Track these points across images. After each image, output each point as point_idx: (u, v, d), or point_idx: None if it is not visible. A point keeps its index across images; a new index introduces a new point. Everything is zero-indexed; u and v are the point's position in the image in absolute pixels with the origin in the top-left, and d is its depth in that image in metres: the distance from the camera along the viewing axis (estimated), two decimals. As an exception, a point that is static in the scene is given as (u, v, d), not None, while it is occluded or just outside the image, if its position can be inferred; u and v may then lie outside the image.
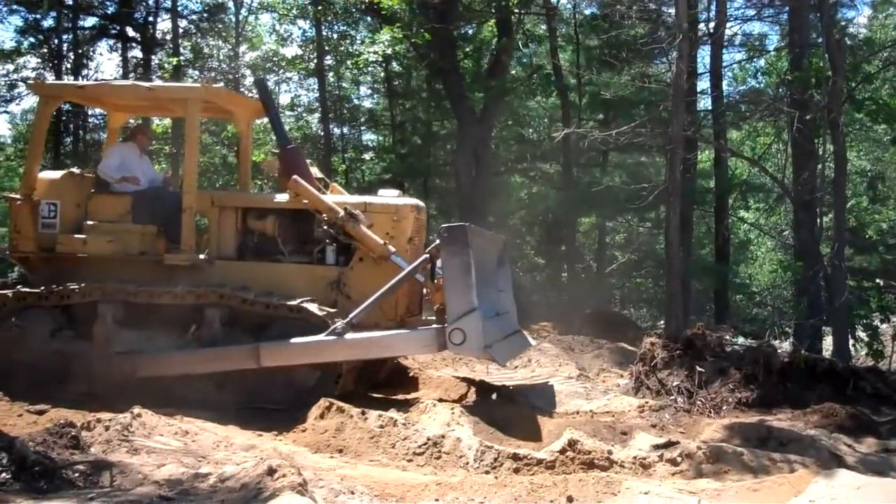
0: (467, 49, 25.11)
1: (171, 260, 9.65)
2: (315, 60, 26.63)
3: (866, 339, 12.85)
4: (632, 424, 7.92)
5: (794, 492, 6.10)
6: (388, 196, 10.19)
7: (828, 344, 14.87)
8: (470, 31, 25.57)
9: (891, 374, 11.02)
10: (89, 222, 9.86)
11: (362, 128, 30.93)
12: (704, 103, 24.31)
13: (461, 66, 23.81)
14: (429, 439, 7.13)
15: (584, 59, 25.97)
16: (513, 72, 26.15)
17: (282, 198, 10.06)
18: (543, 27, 26.72)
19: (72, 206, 10.05)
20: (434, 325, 8.95)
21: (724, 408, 9.12)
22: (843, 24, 24.05)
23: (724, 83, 24.91)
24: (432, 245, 9.10)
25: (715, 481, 6.58)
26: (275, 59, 27.66)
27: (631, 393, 9.97)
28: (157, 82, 11.54)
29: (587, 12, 26.39)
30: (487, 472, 6.66)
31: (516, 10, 22.56)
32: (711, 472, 6.81)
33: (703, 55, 24.79)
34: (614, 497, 5.66)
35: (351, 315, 8.87)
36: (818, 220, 18.24)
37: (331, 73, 26.91)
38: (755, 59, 26.88)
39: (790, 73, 18.20)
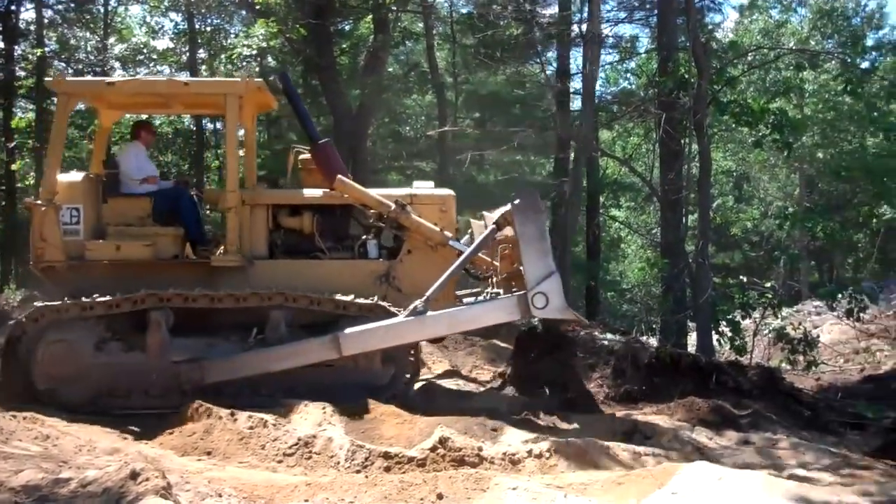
0: (344, 45, 25.00)
1: (219, 262, 9.32)
2: (187, 54, 26.14)
3: (729, 334, 13.27)
4: (503, 421, 7.98)
5: (658, 484, 6.25)
6: (426, 188, 10.13)
7: (693, 339, 15.32)
8: (347, 28, 25.48)
9: (751, 369, 11.43)
10: (113, 227, 9.42)
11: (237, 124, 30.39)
12: (577, 103, 24.71)
13: (338, 62, 23.68)
14: (300, 440, 7.06)
15: (460, 58, 26.15)
16: (390, 69, 26.20)
17: (315, 193, 9.86)
18: (420, 25, 26.82)
19: (93, 211, 9.53)
20: (515, 293, 8.90)
21: (590, 403, 9.28)
22: (710, 28, 24.84)
23: (597, 84, 25.42)
24: (499, 215, 9.11)
25: (582, 475, 6.70)
26: (145, 51, 27.01)
27: (503, 389, 10.06)
28: (190, 78, 10.94)
29: (463, 11, 26.61)
30: (358, 472, 6.63)
31: (393, 8, 22.56)
32: (579, 467, 6.93)
33: (576, 56, 25.22)
34: (483, 493, 5.70)
35: (428, 293, 8.82)
36: (684, 219, 18.75)
37: (203, 67, 26.43)
38: (627, 61, 27.51)
39: (658, 75, 18.64)
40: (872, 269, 32.78)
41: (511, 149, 26.63)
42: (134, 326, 8.97)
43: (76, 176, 9.72)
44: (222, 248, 9.69)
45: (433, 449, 6.87)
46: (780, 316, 14.05)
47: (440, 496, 5.71)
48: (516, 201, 8.77)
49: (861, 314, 14.22)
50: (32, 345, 8.81)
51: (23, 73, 25.04)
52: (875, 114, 29.33)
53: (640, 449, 7.37)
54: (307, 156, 10.25)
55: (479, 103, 27.14)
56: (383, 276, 9.53)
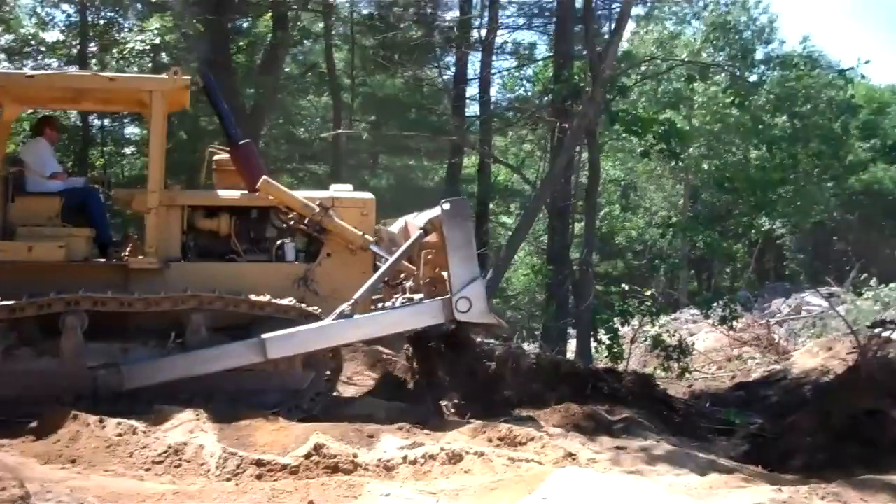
0: (241, 43, 24.74)
1: (138, 264, 9.02)
2: (78, 47, 25.50)
3: (607, 341, 13.59)
4: (379, 427, 8.01)
5: (529, 489, 6.33)
6: (346, 191, 10.07)
7: (573, 346, 15.64)
8: (244, 25, 25.21)
9: (627, 376, 11.75)
10: (22, 227, 9.01)
11: (125, 120, 29.74)
12: (473, 109, 24.93)
13: (234, 60, 23.43)
14: (170, 447, 6.90)
15: (358, 60, 26.11)
16: (287, 69, 26.00)
17: (233, 195, 9.65)
18: (320, 25, 26.66)
19: (2, 210, 9.13)
20: (439, 297, 8.97)
21: (471, 409, 9.39)
22: (606, 37, 25.34)
23: (494, 90, 25.68)
24: (426, 220, 9.15)
25: (455, 481, 6.80)
26: (33, 43, 26.19)
27: (383, 395, 10.11)
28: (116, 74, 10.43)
29: (364, 12, 26.55)
30: (229, 480, 6.52)
31: (293, 7, 22.44)
32: (453, 472, 7.01)
33: (474, 61, 25.45)
34: (355, 500, 5.73)
35: (355, 296, 8.76)
36: (571, 227, 19.12)
37: (94, 61, 25.80)
38: (524, 68, 27.85)
39: (553, 83, 18.91)
40: (749, 278, 33.94)
41: (405, 153, 26.76)
42: (44, 331, 8.68)
43: None
44: (128, 249, 9.49)
45: (307, 456, 6.81)
46: (657, 324, 14.47)
47: (311, 503, 5.75)
48: (446, 207, 8.91)
49: (734, 322, 14.72)
50: None
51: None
52: (760, 126, 30.32)
53: (514, 454, 7.44)
54: (223, 156, 10.12)
55: (375, 106, 27.12)
56: (301, 279, 9.43)
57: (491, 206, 25.03)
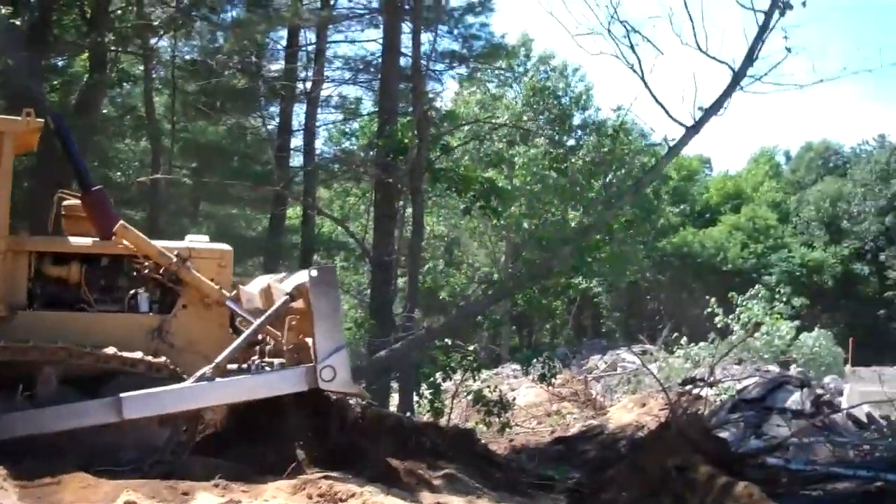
0: (55, 81, 23.80)
1: None
2: None
3: (429, 396, 13.58)
4: (194, 484, 7.72)
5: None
6: (202, 241, 9.74)
7: (396, 400, 15.57)
8: (60, 63, 24.29)
9: (449, 430, 11.75)
10: None
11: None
12: (298, 160, 24.81)
13: (48, 99, 22.47)
14: (-35, 507, 6.51)
15: (179, 105, 25.57)
16: (104, 111, 25.14)
17: (85, 242, 9.08)
18: (141, 68, 26.00)
19: None
20: (304, 365, 8.73)
21: (293, 464, 9.16)
22: (430, 97, 25.76)
23: (319, 142, 25.65)
24: (293, 287, 8.91)
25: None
26: None
27: (201, 449, 9.74)
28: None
29: (187, 57, 26.06)
30: (33, 540, 6.20)
31: (112, 48, 21.75)
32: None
33: (299, 113, 25.36)
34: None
35: (217, 360, 8.40)
36: (394, 281, 19.14)
37: None
38: (350, 122, 27.94)
39: (378, 138, 19.03)
40: (568, 335, 34.90)
41: (227, 201, 26.27)
42: None
43: None
44: None
45: (119, 513, 6.55)
46: (479, 379, 14.57)
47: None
48: (314, 274, 8.75)
49: (553, 378, 14.99)
50: None
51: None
52: (577, 189, 31.37)
53: (333, 512, 7.35)
54: (72, 202, 9.58)
55: (196, 153, 26.57)
56: (155, 330, 9.02)
57: (316, 257, 24.81)
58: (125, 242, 9.09)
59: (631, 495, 9.27)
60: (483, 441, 12.18)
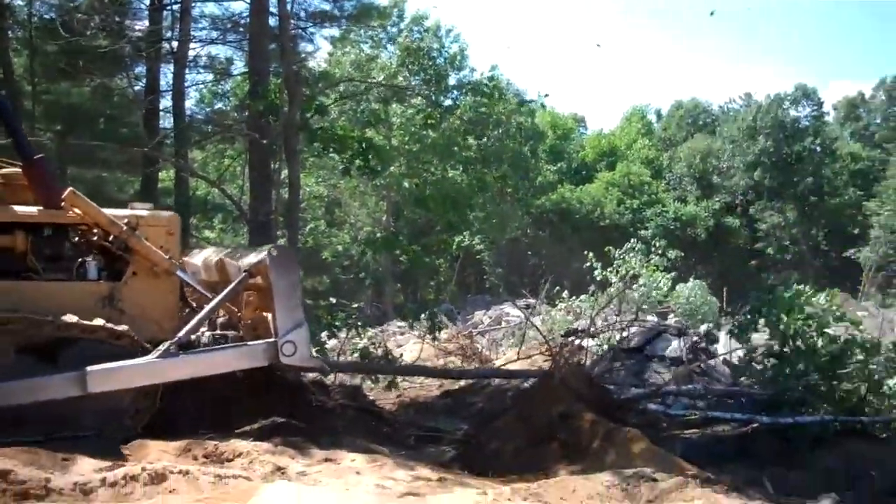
0: None
1: None
2: None
3: (315, 354, 13.40)
4: (74, 450, 7.46)
5: (238, 505, 6.14)
6: (147, 209, 9.57)
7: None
8: None
9: (336, 387, 11.67)
10: None
11: None
12: (168, 122, 24.15)
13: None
14: None
15: (39, 66, 24.52)
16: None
17: (30, 210, 8.82)
18: (-3, 27, 24.82)
19: None
20: (266, 340, 8.87)
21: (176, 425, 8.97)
22: (302, 56, 25.31)
23: (190, 103, 24.98)
24: (252, 264, 9.02)
25: (159, 502, 6.39)
26: None
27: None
28: None
29: (45, 16, 24.96)
30: None
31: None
32: (156, 493, 6.59)
33: (167, 73, 24.61)
34: (43, 528, 5.23)
35: (179, 335, 8.45)
36: (274, 242, 18.83)
37: None
38: (221, 82, 27.28)
39: (249, 99, 18.68)
40: (452, 291, 35.08)
41: (96, 165, 25.37)
42: None
43: None
44: None
45: (-8, 483, 6.23)
46: (364, 336, 14.45)
47: (-5, 536, 5.17)
48: (273, 254, 8.88)
49: (439, 333, 14.98)
50: None
51: None
52: (455, 148, 31.45)
53: (221, 471, 7.14)
54: (10, 170, 9.28)
55: (60, 115, 25.56)
56: (106, 298, 8.95)
57: (193, 220, 24.23)
58: (75, 210, 8.99)
59: (517, 444, 9.36)
60: (370, 397, 12.13)
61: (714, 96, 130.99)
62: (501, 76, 43.57)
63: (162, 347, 8.54)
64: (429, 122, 23.00)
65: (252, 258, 9.36)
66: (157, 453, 7.86)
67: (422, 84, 32.42)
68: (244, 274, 9.20)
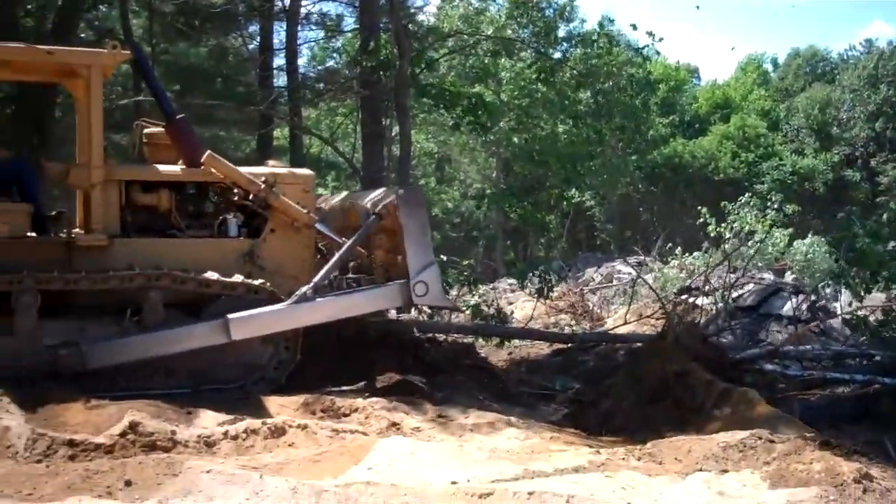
0: (29, 6, 23.28)
1: (86, 240, 8.58)
2: None
3: (428, 311, 13.52)
4: (198, 403, 7.75)
5: (354, 460, 6.31)
6: (284, 167, 10.01)
7: (392, 316, 15.49)
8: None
9: (448, 344, 11.78)
10: None
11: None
12: (282, 80, 24.46)
13: (22, 24, 21.98)
14: (-28, 430, 6.47)
15: (157, 27, 25.09)
16: (81, 35, 24.63)
17: (173, 169, 9.29)
18: (116, -12, 25.46)
19: None
20: (398, 281, 9.11)
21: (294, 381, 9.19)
22: (412, 11, 25.31)
23: (302, 61, 25.25)
24: (380, 206, 9.20)
25: (279, 454, 6.61)
26: None
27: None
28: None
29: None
30: (39, 461, 6.13)
31: (86, -31, 21.25)
32: (276, 447, 6.82)
33: (280, 31, 24.92)
34: (175, 478, 5.44)
35: (314, 280, 8.80)
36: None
37: None
38: (332, 39, 27.49)
39: (360, 55, 18.76)
40: (562, 248, 34.91)
41: (213, 124, 25.91)
42: None
43: None
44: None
45: (122, 434, 6.52)
46: (476, 293, 14.52)
47: (128, 483, 5.40)
48: (401, 194, 9.15)
49: (550, 291, 14.95)
50: None
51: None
52: (566, 102, 31.06)
53: (338, 426, 7.36)
54: (154, 130, 9.76)
55: (179, 75, 26.16)
56: (246, 254, 9.31)
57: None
58: (213, 170, 9.31)
59: (629, 403, 9.32)
60: (482, 354, 12.21)
61: (833, 43, 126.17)
62: (612, 27, 42.73)
63: (298, 293, 8.80)
64: (541, 74, 22.67)
65: (379, 199, 9.53)
66: (276, 408, 8.11)
67: (531, 37, 32.00)
68: (374, 216, 9.35)
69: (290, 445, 6.88)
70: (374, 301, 9.37)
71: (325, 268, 9.10)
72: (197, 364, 8.71)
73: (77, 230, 9.20)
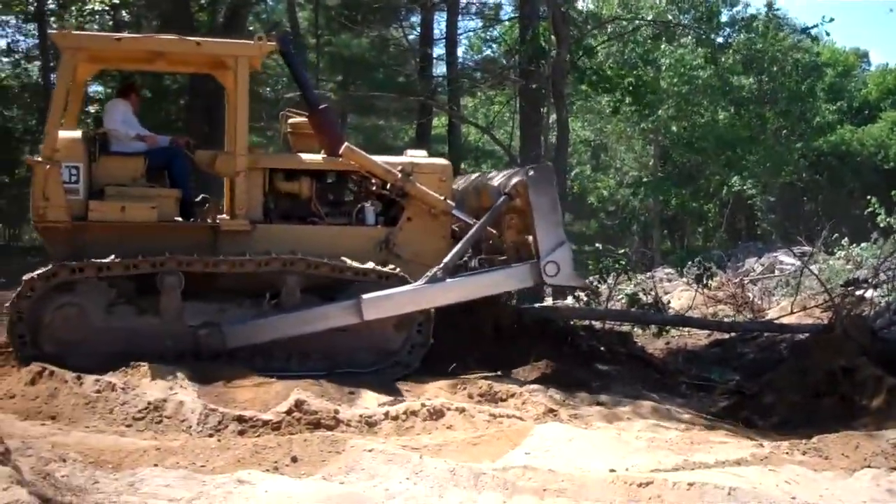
0: (202, 1, 24.27)
1: (229, 225, 9.10)
2: (35, 4, 24.94)
3: (585, 299, 13.49)
4: (360, 384, 7.97)
5: (512, 444, 6.37)
6: (422, 156, 10.17)
7: (548, 304, 15.50)
8: (205, -16, 24.71)
9: (605, 333, 11.70)
10: (109, 186, 8.90)
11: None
12: (440, 69, 24.70)
13: (196, 18, 22.96)
14: (149, 403, 6.84)
15: (322, 19, 25.73)
16: (250, 28, 25.53)
17: (315, 158, 9.70)
18: (283, -18, 26.27)
19: (89, 169, 8.97)
20: (529, 261, 9.23)
21: (452, 365, 9.32)
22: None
23: (460, 51, 25.44)
24: (511, 186, 9.28)
25: (438, 437, 6.74)
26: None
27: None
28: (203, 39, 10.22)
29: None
30: (211, 436, 6.48)
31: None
32: (435, 428, 6.96)
33: (440, 21, 25.17)
34: (338, 455, 5.64)
35: (444, 260, 8.97)
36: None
37: (53, 19, 25.21)
38: (490, 29, 27.58)
39: (519, 43, 18.75)
40: (721, 237, 34.05)
41: (374, 113, 26.40)
42: (140, 290, 8.72)
43: (75, 133, 9.20)
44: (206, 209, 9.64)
45: (288, 412, 6.80)
46: (633, 282, 14.37)
47: (294, 459, 5.64)
48: (531, 173, 9.13)
49: (710, 280, 14.67)
50: (41, 305, 8.45)
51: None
52: (727, 88, 30.29)
53: (496, 410, 7.44)
54: (298, 120, 10.13)
55: (342, 66, 26.80)
56: (383, 242, 9.54)
57: (463, 166, 24.85)
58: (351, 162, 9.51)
59: (793, 397, 9.04)
60: (639, 343, 12.09)
61: None
62: (778, 10, 41.28)
63: (428, 273, 8.92)
64: (705, 60, 22.14)
65: (511, 180, 9.48)
66: (433, 390, 8.25)
67: (692, 21, 31.30)
68: (504, 197, 9.34)
69: (448, 428, 7.00)
70: (504, 282, 9.42)
71: (455, 249, 9.15)
72: (332, 347, 8.90)
73: (223, 216, 9.54)
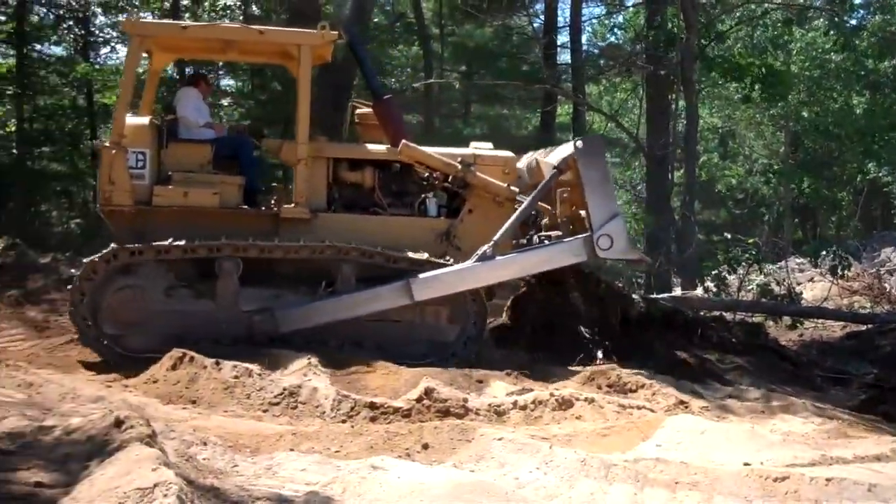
0: (328, -6, 24.61)
1: (289, 213, 9.27)
2: (171, 0, 25.70)
3: (714, 289, 13.24)
4: (488, 373, 7.98)
5: (642, 436, 6.31)
6: (486, 149, 10.15)
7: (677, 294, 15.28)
8: (338, -23, 25.05)
9: (736, 324, 11.46)
10: (175, 173, 9.22)
11: (220, 72, 30.06)
12: (564, 57, 24.54)
13: (323, 11, 23.28)
14: (285, 389, 7.01)
15: (446, 9, 25.84)
16: (375, 19, 25.83)
17: (379, 148, 9.81)
18: (407, -26, 26.49)
19: (156, 155, 9.32)
20: (581, 235, 9.09)
21: (580, 356, 9.26)
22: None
23: (584, 38, 25.20)
24: (560, 159, 9.26)
25: (567, 427, 6.71)
26: (127, -4, 26.43)
27: (491, 342, 10.00)
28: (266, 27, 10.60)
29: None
30: (344, 422, 6.60)
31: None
32: (564, 419, 6.94)
33: (564, 8, 24.99)
34: (468, 443, 5.68)
35: (495, 237, 8.95)
36: (670, 175, 18.69)
37: (187, 14, 25.97)
38: (615, 15, 27.25)
39: (646, 29, 18.50)
40: (855, 227, 32.90)
41: (497, 102, 26.40)
42: (200, 274, 8.92)
43: (143, 119, 9.49)
44: (275, 198, 9.79)
45: (418, 400, 6.87)
46: (764, 272, 14.04)
47: (426, 446, 5.71)
48: (580, 145, 9.02)
49: (846, 270, 14.24)
50: (101, 287, 8.72)
51: (2, 18, 24.40)
52: (862, 72, 29.20)
53: (626, 402, 7.38)
54: (365, 110, 10.19)
55: (465, 56, 26.92)
56: (443, 234, 9.53)
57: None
58: (409, 158, 9.48)
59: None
60: (771, 335, 11.81)
61: None
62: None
63: (478, 252, 8.82)
64: (835, 44, 21.42)
65: (560, 153, 9.34)
66: (561, 380, 8.23)
67: (825, 4, 30.31)
68: (554, 171, 9.22)
69: (577, 418, 6.97)
70: (557, 257, 9.16)
71: (506, 226, 9.01)
72: (385, 338, 8.89)
73: (289, 205, 9.53)
